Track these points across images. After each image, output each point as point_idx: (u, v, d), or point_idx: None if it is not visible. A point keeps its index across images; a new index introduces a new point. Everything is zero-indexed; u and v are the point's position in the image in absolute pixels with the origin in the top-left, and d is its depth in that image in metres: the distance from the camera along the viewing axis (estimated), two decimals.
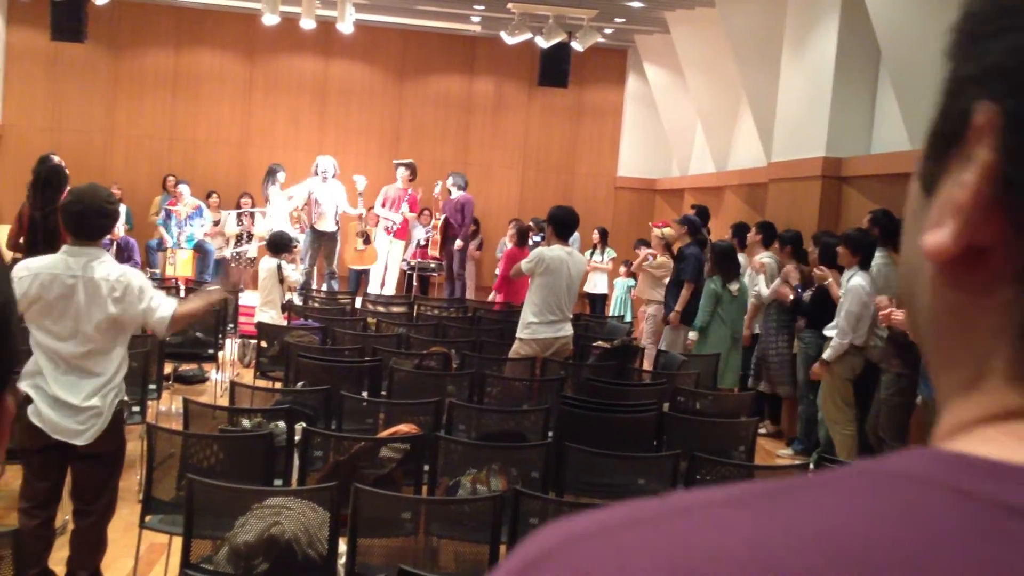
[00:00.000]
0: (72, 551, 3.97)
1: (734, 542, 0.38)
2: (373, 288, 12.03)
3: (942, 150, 0.45)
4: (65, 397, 3.74)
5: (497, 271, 10.42)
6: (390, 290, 12.19)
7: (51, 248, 6.96)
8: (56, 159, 8.10)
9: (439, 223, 12.23)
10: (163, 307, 3.83)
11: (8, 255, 8.88)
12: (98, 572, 4.02)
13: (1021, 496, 0.37)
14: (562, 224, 6.56)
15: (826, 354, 6.46)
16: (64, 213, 3.81)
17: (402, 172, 12.23)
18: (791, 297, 7.36)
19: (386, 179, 13.05)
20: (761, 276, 8.00)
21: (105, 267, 3.76)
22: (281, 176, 12.26)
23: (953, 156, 0.44)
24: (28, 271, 3.72)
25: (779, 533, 0.38)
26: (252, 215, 12.66)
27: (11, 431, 2.38)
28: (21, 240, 7.23)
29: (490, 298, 10.15)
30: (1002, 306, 0.42)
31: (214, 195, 13.22)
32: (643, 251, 10.03)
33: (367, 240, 12.17)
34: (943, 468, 0.39)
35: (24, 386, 3.75)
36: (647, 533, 0.41)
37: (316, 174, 11.72)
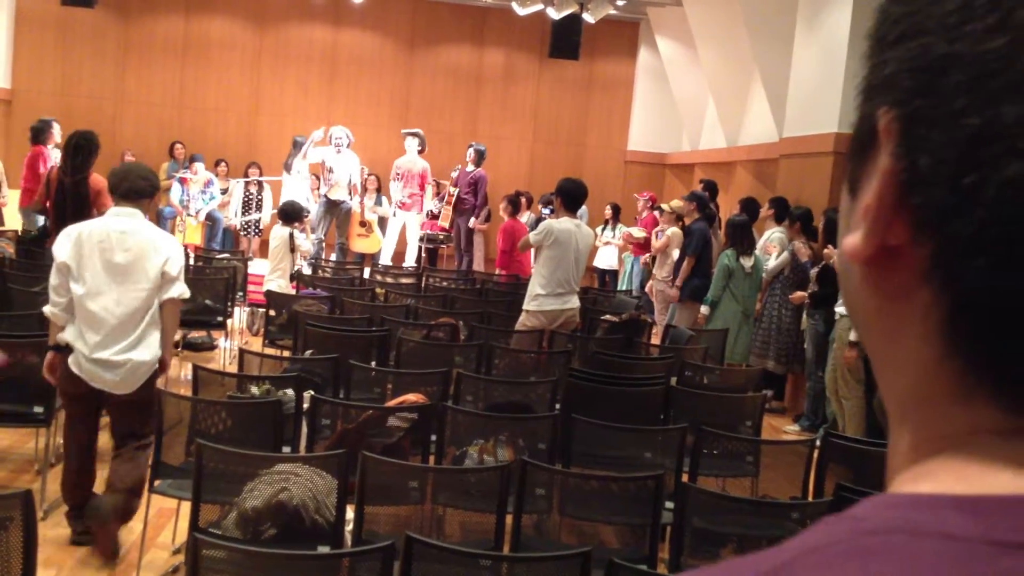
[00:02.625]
0: (112, 472, 4.21)
1: None
2: (386, 260, 12.05)
3: (860, 154, 0.47)
4: (102, 355, 4.05)
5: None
6: (409, 262, 12.20)
7: (79, 214, 7.04)
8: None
9: (452, 196, 12.19)
10: (174, 289, 4.18)
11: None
12: (137, 491, 4.18)
13: (1008, 532, 0.37)
14: (571, 196, 6.54)
15: (852, 336, 6.42)
16: (112, 176, 4.21)
17: (413, 143, 12.17)
18: (806, 298, 7.35)
19: (395, 150, 13.01)
20: (773, 253, 7.98)
21: (151, 231, 4.15)
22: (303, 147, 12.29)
23: (869, 159, 0.45)
24: (72, 232, 4.07)
25: None
26: (260, 184, 12.65)
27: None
28: (48, 204, 7.24)
29: (497, 272, 10.16)
30: (922, 309, 0.43)
31: (222, 163, 13.22)
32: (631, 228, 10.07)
33: (368, 228, 12.20)
34: (927, 515, 0.39)
35: (67, 336, 4.08)
36: None
37: (330, 143, 11.71)
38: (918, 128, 0.42)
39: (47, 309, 4.17)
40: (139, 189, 4.13)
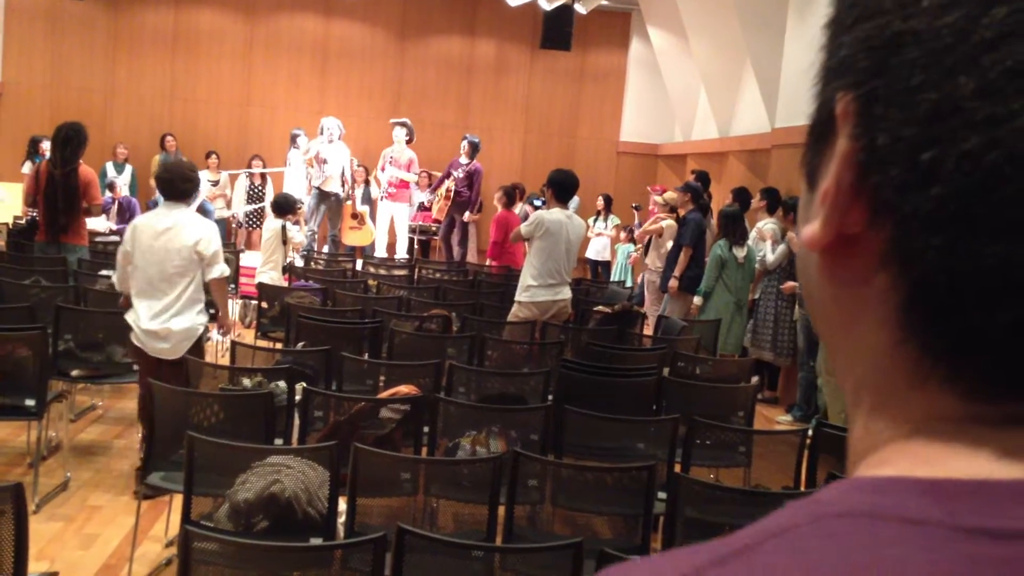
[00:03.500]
0: None
1: None
2: (380, 253, 12.04)
3: (818, 142, 0.47)
4: (154, 328, 4.85)
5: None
6: (402, 254, 12.18)
7: (70, 206, 7.01)
8: None
9: (451, 191, 12.14)
10: (215, 271, 5.00)
11: (24, 211, 8.87)
12: None
13: (969, 517, 0.38)
14: (562, 187, 6.53)
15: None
16: (157, 181, 5.10)
17: (401, 133, 12.14)
18: (798, 288, 7.40)
19: (387, 141, 12.98)
20: (768, 242, 7.98)
21: (188, 219, 4.95)
22: (302, 142, 12.24)
23: (827, 147, 0.45)
24: (133, 224, 4.99)
25: None
26: (264, 176, 12.62)
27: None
28: (38, 197, 7.21)
29: (487, 263, 10.15)
30: (880, 294, 0.43)
31: (213, 155, 13.17)
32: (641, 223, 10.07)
33: (360, 220, 12.17)
34: (888, 499, 0.40)
35: (128, 319, 4.92)
36: None
37: (321, 135, 11.68)
38: (875, 107, 0.42)
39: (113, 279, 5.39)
40: (181, 191, 4.98)
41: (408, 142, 12.17)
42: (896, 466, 0.43)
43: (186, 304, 4.92)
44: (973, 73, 0.39)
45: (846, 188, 0.43)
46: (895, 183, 0.41)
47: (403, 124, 12.21)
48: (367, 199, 12.68)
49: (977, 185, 0.39)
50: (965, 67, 0.39)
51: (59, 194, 7.00)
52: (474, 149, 12.07)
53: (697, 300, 8.15)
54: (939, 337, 0.41)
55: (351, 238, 12.28)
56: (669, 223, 9.26)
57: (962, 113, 0.39)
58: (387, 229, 12.40)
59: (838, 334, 0.47)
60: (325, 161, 11.53)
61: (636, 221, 12.16)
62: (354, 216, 12.19)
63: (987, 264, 0.39)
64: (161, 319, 4.87)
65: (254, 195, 12.60)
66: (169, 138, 13.29)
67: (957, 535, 0.37)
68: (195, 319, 4.99)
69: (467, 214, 12.06)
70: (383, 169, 12.22)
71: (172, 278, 4.87)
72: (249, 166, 12.82)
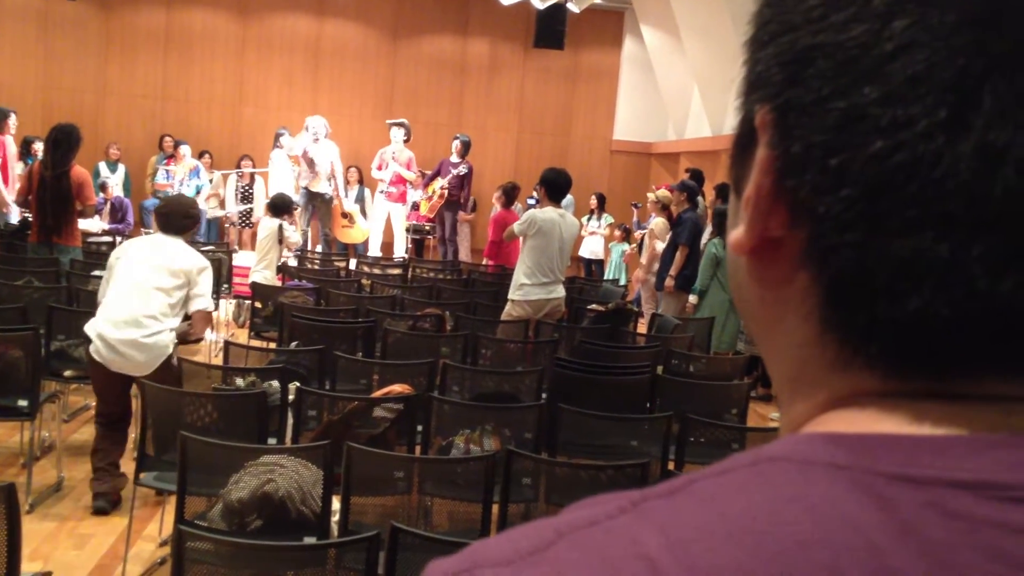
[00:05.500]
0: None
1: (652, 549, 0.40)
2: (375, 252, 12.02)
3: (742, 153, 0.50)
4: (123, 337, 4.52)
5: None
6: (400, 253, 12.17)
7: (61, 208, 6.98)
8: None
9: (445, 190, 12.12)
10: (201, 302, 4.76)
11: (16, 211, 8.84)
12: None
13: (889, 465, 0.40)
14: (555, 186, 6.53)
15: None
16: (156, 214, 4.96)
17: (399, 133, 12.12)
18: None
19: (380, 141, 12.97)
20: None
21: (184, 253, 4.74)
22: (285, 140, 12.20)
23: (750, 157, 0.48)
24: (121, 248, 4.84)
25: (691, 533, 0.41)
26: (252, 176, 12.58)
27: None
28: (30, 198, 7.22)
29: (484, 262, 10.15)
30: (801, 292, 0.46)
31: (206, 155, 13.14)
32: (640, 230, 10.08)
33: (350, 219, 12.15)
34: (819, 448, 0.42)
35: (88, 330, 4.58)
36: (562, 555, 0.42)
37: (307, 132, 11.64)
38: (789, 117, 0.45)
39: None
40: (179, 227, 4.83)
41: (406, 141, 12.15)
42: (826, 427, 0.46)
43: (161, 321, 4.62)
44: (877, 82, 0.41)
45: (766, 194, 0.46)
46: (809, 187, 0.44)
47: (400, 124, 12.18)
48: (359, 198, 12.66)
49: (883, 185, 0.41)
50: (869, 77, 0.42)
51: (48, 196, 6.99)
52: (466, 148, 12.05)
53: (692, 299, 8.15)
54: (855, 328, 0.44)
55: (345, 236, 12.26)
56: (658, 221, 9.26)
57: (868, 119, 0.42)
58: (383, 228, 12.37)
59: (767, 332, 0.50)
60: (313, 161, 11.49)
61: (635, 219, 12.22)
62: (344, 215, 12.17)
63: (894, 258, 0.41)
64: (130, 332, 4.54)
65: (243, 195, 12.57)
66: (167, 139, 13.23)
67: (878, 480, 0.40)
68: (167, 337, 4.64)
69: (461, 213, 12.05)
70: (380, 168, 12.18)
71: (153, 292, 4.61)
72: (239, 166, 12.78)
